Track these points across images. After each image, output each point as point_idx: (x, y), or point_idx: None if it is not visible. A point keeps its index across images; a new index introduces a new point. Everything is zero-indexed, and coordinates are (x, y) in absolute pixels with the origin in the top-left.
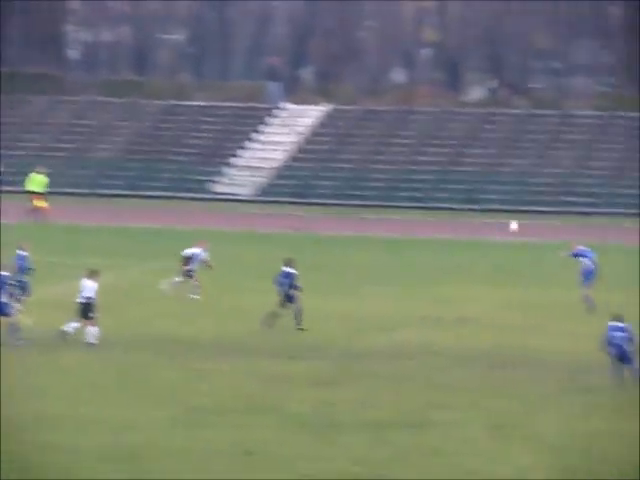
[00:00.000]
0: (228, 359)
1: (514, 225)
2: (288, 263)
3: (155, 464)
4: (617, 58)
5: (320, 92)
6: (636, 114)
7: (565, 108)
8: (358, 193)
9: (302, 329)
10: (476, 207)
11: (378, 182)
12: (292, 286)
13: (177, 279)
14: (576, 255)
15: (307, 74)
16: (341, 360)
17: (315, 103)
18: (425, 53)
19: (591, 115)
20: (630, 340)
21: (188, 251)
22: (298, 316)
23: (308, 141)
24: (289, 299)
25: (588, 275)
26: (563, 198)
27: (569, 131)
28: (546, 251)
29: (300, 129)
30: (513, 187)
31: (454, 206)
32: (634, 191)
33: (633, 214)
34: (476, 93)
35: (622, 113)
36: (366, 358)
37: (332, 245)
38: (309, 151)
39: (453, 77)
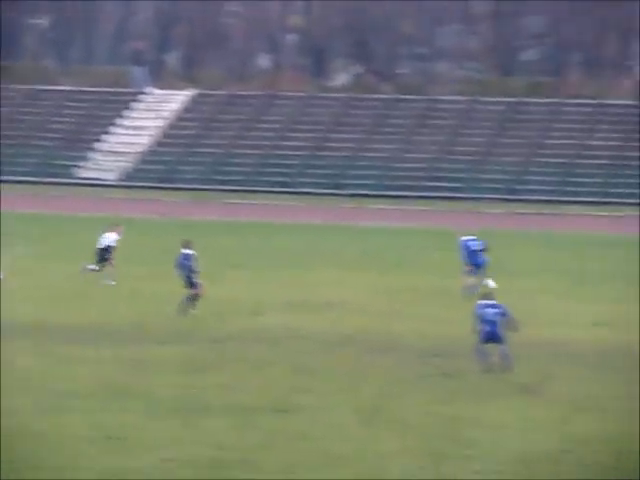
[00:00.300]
0: (96, 345)
1: (492, 283)
2: (187, 245)
3: (17, 449)
4: (481, 43)
5: (186, 77)
6: (500, 98)
7: (430, 93)
8: (223, 178)
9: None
10: (342, 192)
11: (244, 167)
12: (192, 268)
13: (90, 265)
14: (467, 245)
15: (172, 59)
16: (209, 345)
17: (181, 88)
18: (290, 39)
19: (456, 100)
20: (503, 316)
21: (105, 236)
22: (191, 300)
23: (173, 126)
24: (191, 281)
25: (477, 264)
26: (429, 183)
27: (434, 116)
28: (411, 236)
29: (165, 114)
30: (379, 172)
31: (320, 191)
32: (499, 176)
33: (499, 199)
34: (341, 79)
35: (486, 98)
36: (233, 343)
37: (198, 230)
38: (174, 136)
39: (318, 63)
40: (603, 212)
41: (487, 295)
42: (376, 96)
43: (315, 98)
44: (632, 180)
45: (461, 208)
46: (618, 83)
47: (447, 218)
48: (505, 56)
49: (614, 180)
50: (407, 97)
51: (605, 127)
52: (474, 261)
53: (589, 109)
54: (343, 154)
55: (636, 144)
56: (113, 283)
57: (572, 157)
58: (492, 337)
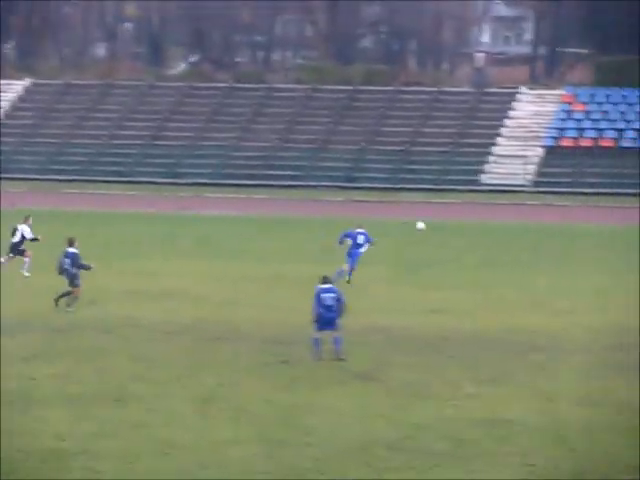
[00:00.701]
0: None
1: (421, 224)
2: (71, 243)
3: None
4: (318, 31)
5: (21, 67)
6: (338, 86)
7: (268, 82)
8: (60, 167)
9: (56, 303)
10: (180, 181)
11: (80, 156)
12: (76, 265)
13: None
14: (347, 236)
15: (7, 49)
16: (48, 335)
17: (16, 78)
18: (127, 28)
19: (294, 88)
20: (338, 301)
21: (18, 227)
22: (65, 294)
23: (8, 116)
24: (72, 278)
25: (352, 254)
26: (267, 171)
27: (273, 104)
28: (251, 224)
29: (1, 104)
30: (217, 161)
31: (158, 180)
32: (337, 164)
33: (338, 187)
34: (179, 67)
35: (324, 86)
36: (70, 332)
37: (35, 220)
38: (10, 126)
39: (155, 51)
40: (440, 199)
41: (325, 279)
42: (214, 85)
43: (152, 87)
44: (469, 167)
45: (300, 196)
46: (455, 71)
47: (286, 206)
48: (342, 44)
49: (451, 167)
50: (245, 85)
51: (442, 114)
52: (353, 250)
53: (426, 96)
54: (181, 143)
55: (473, 131)
56: (27, 275)
57: (409, 144)
58: (327, 322)
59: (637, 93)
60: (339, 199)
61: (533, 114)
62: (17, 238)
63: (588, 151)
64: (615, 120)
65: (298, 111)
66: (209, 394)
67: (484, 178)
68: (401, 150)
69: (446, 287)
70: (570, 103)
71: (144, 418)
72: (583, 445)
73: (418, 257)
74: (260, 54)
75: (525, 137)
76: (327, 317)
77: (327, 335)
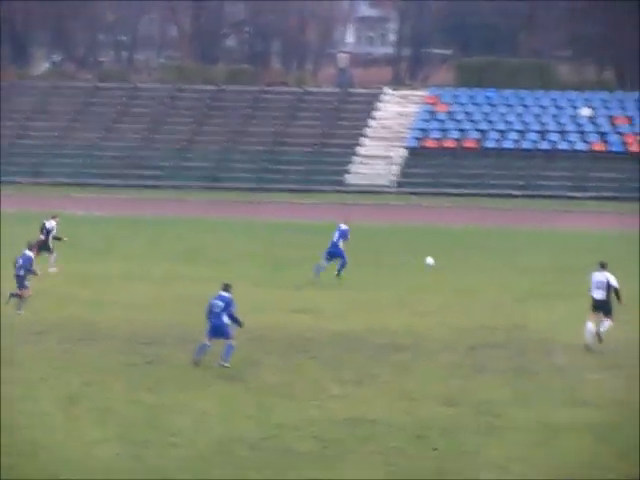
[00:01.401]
0: None
1: (430, 260)
2: (31, 247)
3: None
4: (182, 31)
5: None
6: (202, 86)
7: (132, 81)
8: None
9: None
10: (42, 180)
11: None
12: (29, 269)
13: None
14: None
15: None
16: None
17: None
18: None
19: (158, 88)
20: (226, 309)
21: (47, 224)
22: (14, 297)
23: None
24: (22, 282)
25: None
26: (131, 171)
27: (136, 104)
28: (114, 224)
29: None
30: (80, 160)
31: (21, 179)
32: (203, 164)
33: (202, 187)
34: (40, 66)
35: (188, 86)
36: None
37: None
38: None
39: (17, 51)
40: (305, 199)
41: (225, 286)
42: (77, 84)
43: (14, 86)
44: (334, 167)
45: (165, 196)
46: (319, 71)
47: (151, 206)
48: (206, 44)
49: (316, 167)
50: (109, 85)
51: (307, 115)
52: (334, 247)
53: (291, 97)
54: (44, 142)
55: (337, 131)
56: (56, 270)
57: (274, 145)
58: (215, 330)
59: (500, 94)
60: (203, 199)
61: (397, 115)
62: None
63: (451, 152)
64: (478, 121)
65: (162, 111)
66: (75, 394)
67: (349, 178)
68: (310, 151)
69: (311, 287)
70: (433, 104)
71: (8, 420)
72: (444, 444)
73: (283, 257)
74: (124, 54)
75: (389, 138)
76: (214, 324)
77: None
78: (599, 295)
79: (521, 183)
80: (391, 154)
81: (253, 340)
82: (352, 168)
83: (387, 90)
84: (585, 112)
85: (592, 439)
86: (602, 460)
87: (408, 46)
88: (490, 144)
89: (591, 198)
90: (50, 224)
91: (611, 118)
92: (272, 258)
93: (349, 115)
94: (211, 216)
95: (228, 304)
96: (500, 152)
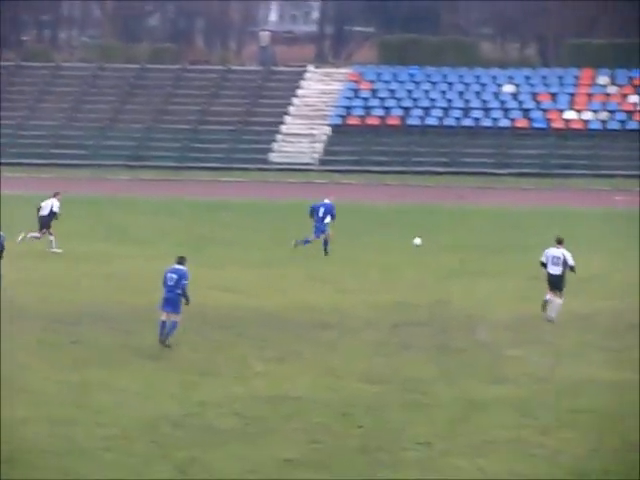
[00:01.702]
0: None
1: (417, 241)
2: None
3: None
4: (104, 10)
5: None
6: (124, 65)
7: (55, 60)
8: None
9: None
10: None
11: None
12: None
13: (32, 233)
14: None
15: None
16: None
17: None
18: None
19: (80, 67)
20: (179, 282)
21: (47, 203)
22: None
23: None
24: None
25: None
26: (54, 150)
27: (59, 83)
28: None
29: None
30: (4, 140)
31: None
32: (125, 142)
33: (125, 165)
34: None
35: (111, 64)
36: None
37: None
38: None
39: None
40: (228, 178)
41: (180, 259)
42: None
43: None
44: (257, 146)
45: (87, 175)
46: (242, 49)
47: (74, 185)
48: (129, 23)
49: (240, 146)
50: (31, 64)
51: (230, 93)
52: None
53: (214, 75)
54: None
55: (261, 109)
56: (60, 251)
57: (197, 123)
58: (168, 303)
59: (423, 71)
60: (126, 178)
61: (320, 93)
62: (46, 211)
63: (375, 129)
64: (401, 98)
65: (84, 90)
66: None
67: (272, 157)
68: (234, 130)
69: (234, 265)
70: (357, 82)
71: None
72: (369, 421)
73: (206, 236)
74: (47, 33)
75: (312, 116)
76: (167, 297)
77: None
78: (555, 271)
79: (444, 160)
80: (314, 132)
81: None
82: (275, 146)
83: (310, 68)
84: (508, 89)
85: (515, 415)
86: (524, 435)
87: (331, 24)
88: (413, 121)
89: (514, 174)
90: (51, 202)
91: (534, 95)
92: (195, 236)
93: (272, 93)
94: (134, 195)
95: (181, 277)
96: (423, 129)
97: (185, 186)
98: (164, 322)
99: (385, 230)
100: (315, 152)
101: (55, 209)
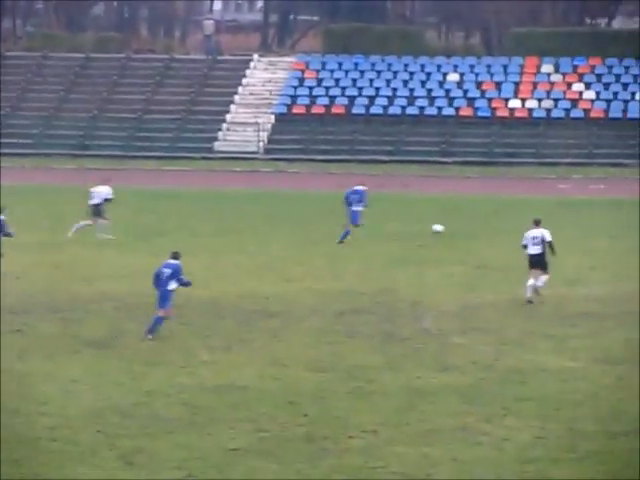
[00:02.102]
0: None
1: (438, 227)
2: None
3: None
4: (46, 0)
5: None
6: (69, 54)
7: None
8: None
9: None
10: None
11: None
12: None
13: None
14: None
15: None
16: None
17: None
18: None
19: (24, 56)
20: (172, 277)
21: (96, 190)
22: None
23: None
24: None
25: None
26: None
27: (3, 72)
28: None
29: None
30: None
31: None
32: (70, 132)
33: (70, 155)
34: None
35: (55, 54)
36: None
37: None
38: None
39: None
40: (173, 167)
41: (174, 254)
42: None
43: None
44: (202, 135)
45: (32, 164)
46: (187, 38)
47: (18, 175)
48: (73, 12)
49: (185, 135)
50: None
51: (175, 82)
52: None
53: (158, 64)
54: None
55: (206, 98)
56: (111, 237)
57: (142, 112)
58: (161, 298)
59: (368, 60)
60: (71, 167)
61: (265, 81)
62: (98, 200)
63: (320, 118)
64: (346, 87)
65: (29, 79)
66: None
67: (217, 145)
68: (179, 119)
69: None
70: (302, 70)
71: None
72: (315, 410)
73: (151, 225)
74: None
75: (257, 104)
76: (160, 292)
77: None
78: (536, 250)
79: (389, 148)
80: (259, 121)
81: (120, 308)
82: (221, 135)
83: (255, 57)
84: (452, 78)
85: (460, 402)
86: (470, 423)
87: (276, 13)
88: (358, 110)
89: (458, 163)
90: (102, 190)
91: (478, 84)
92: (141, 225)
93: (217, 82)
94: (79, 184)
95: (176, 271)
96: (368, 118)
97: (130, 175)
98: (155, 320)
99: (330, 218)
100: (260, 141)
101: (108, 196)
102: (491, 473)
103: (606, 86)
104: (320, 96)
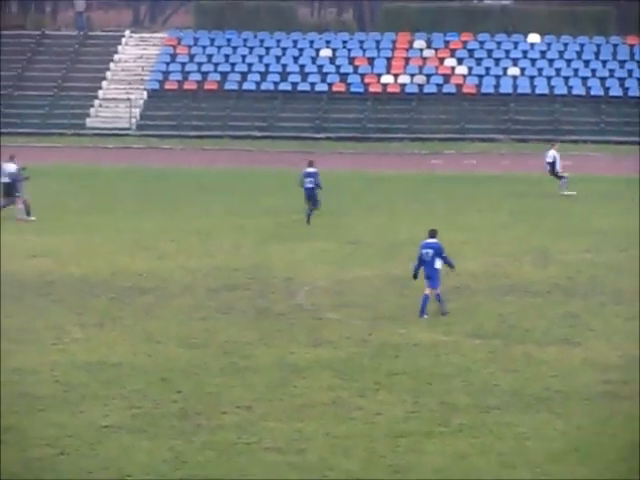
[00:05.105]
0: None
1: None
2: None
3: None
4: None
5: None
6: None
7: None
8: None
9: None
10: None
11: None
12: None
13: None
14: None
15: None
16: None
17: None
18: None
19: None
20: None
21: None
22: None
23: None
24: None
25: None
26: None
27: None
28: None
29: None
30: None
31: None
32: None
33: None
34: None
35: None
36: None
37: None
38: None
39: None
40: (45, 143)
41: (432, 232)
42: None
43: None
44: (74, 111)
45: None
46: (58, 14)
47: None
48: None
49: (56, 111)
50: None
51: (46, 58)
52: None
53: (29, 40)
54: None
55: (78, 75)
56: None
57: (13, 88)
58: (429, 277)
59: (240, 36)
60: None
61: (137, 57)
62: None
63: (192, 94)
64: (219, 63)
65: None
66: None
67: (89, 122)
68: (51, 95)
69: (51, 232)
70: (174, 46)
71: None
72: (188, 386)
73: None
74: None
75: (130, 80)
76: (427, 272)
77: None
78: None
79: (262, 124)
80: (132, 97)
81: None
82: (93, 111)
83: (127, 33)
84: (325, 53)
85: (333, 377)
86: (343, 397)
87: None
88: (231, 86)
89: (332, 139)
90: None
91: (351, 59)
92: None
93: (89, 58)
94: None
95: (438, 251)
96: (241, 94)
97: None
98: (427, 296)
99: (204, 194)
100: (132, 117)
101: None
102: (364, 447)
103: (478, 61)
104: (192, 72)
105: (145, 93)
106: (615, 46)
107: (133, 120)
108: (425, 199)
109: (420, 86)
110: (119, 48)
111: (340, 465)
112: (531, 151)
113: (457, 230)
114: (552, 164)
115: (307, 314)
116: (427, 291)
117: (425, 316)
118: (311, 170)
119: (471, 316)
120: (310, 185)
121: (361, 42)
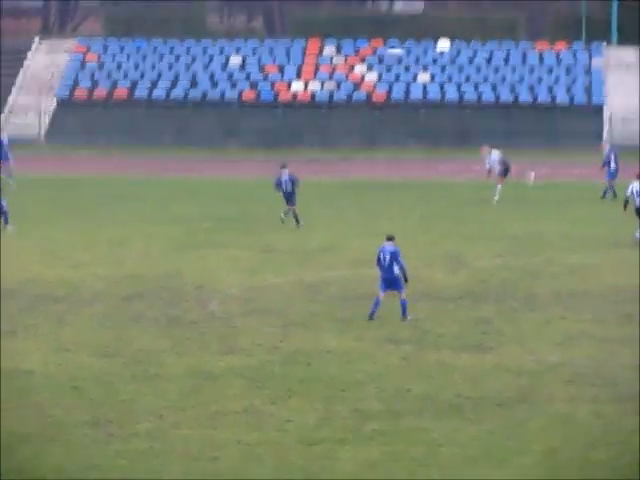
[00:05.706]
0: None
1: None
2: None
3: None
4: None
5: None
6: None
7: None
8: None
9: None
10: None
11: None
12: None
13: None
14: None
15: None
16: None
17: None
18: None
19: None
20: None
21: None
22: None
23: None
24: None
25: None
26: None
27: None
28: None
29: None
30: None
31: None
32: None
33: None
34: None
35: None
36: None
37: None
38: None
39: None
40: None
41: (389, 237)
42: None
43: None
44: None
45: None
46: None
47: None
48: None
49: None
50: None
51: None
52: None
53: None
54: None
55: None
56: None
57: None
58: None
59: (150, 44)
60: None
61: (47, 65)
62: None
63: (102, 102)
64: (129, 71)
65: None
66: None
67: None
68: None
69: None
70: (83, 54)
71: None
72: (100, 394)
73: None
74: None
75: (39, 89)
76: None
77: None
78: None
79: (172, 132)
80: (41, 105)
81: None
82: (2, 119)
83: (36, 40)
84: (235, 60)
85: (246, 385)
86: (255, 405)
87: None
88: (141, 93)
89: (242, 147)
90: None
91: (261, 67)
92: None
93: None
94: None
95: (395, 255)
96: (151, 102)
97: None
98: (379, 300)
99: (115, 203)
100: (42, 125)
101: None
102: (276, 455)
103: (388, 68)
104: (102, 80)
105: (55, 101)
106: (525, 51)
107: (42, 128)
108: (338, 206)
109: (330, 94)
110: (28, 55)
111: (252, 473)
112: (441, 157)
113: (370, 236)
114: (505, 167)
115: (219, 322)
116: (381, 296)
117: (372, 320)
118: (286, 172)
119: (384, 322)
120: (287, 186)
121: (271, 49)
